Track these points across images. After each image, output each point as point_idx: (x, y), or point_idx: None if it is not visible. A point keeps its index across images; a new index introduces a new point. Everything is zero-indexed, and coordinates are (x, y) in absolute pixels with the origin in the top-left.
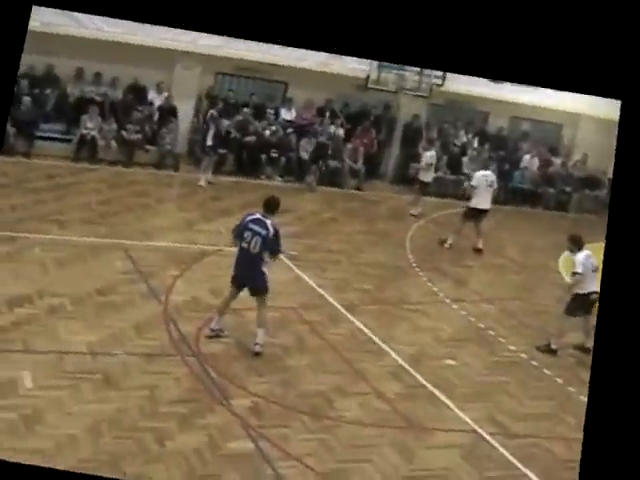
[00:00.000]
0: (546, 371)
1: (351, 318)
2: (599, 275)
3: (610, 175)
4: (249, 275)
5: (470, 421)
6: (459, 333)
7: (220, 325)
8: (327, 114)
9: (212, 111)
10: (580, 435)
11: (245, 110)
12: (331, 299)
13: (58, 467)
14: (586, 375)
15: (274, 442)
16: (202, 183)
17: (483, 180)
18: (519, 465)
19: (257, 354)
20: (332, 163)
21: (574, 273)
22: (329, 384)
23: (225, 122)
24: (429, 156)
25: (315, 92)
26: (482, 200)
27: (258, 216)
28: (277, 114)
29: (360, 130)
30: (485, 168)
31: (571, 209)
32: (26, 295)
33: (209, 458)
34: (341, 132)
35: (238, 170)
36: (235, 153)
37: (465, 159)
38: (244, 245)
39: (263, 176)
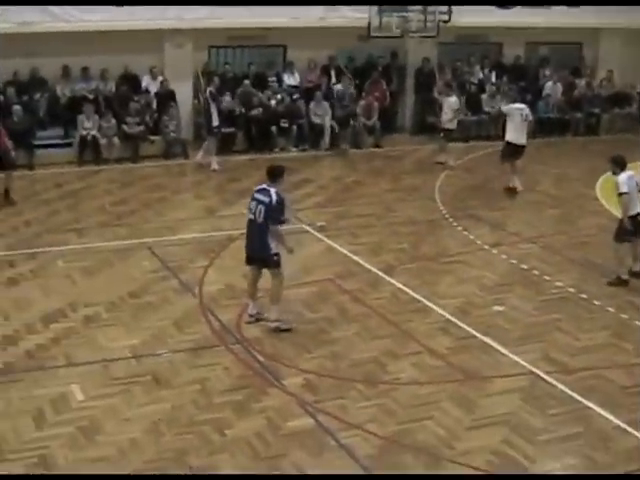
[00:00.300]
0: (596, 302)
1: (391, 280)
2: None
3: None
4: (256, 247)
5: (526, 363)
6: (503, 278)
7: (257, 309)
8: (333, 72)
9: (209, 89)
10: (638, 360)
11: (246, 82)
12: (367, 264)
13: (125, 471)
14: (637, 299)
15: (333, 414)
16: (215, 167)
17: (518, 113)
18: (581, 399)
19: (277, 330)
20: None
21: (620, 194)
22: (379, 349)
23: (226, 98)
24: (452, 102)
25: (316, 51)
26: (519, 135)
27: (264, 186)
28: (280, 81)
29: (369, 84)
30: (516, 101)
31: (602, 131)
32: (59, 309)
33: (271, 440)
34: (351, 89)
35: (250, 147)
36: (243, 129)
37: (484, 96)
38: (251, 217)
39: (276, 149)
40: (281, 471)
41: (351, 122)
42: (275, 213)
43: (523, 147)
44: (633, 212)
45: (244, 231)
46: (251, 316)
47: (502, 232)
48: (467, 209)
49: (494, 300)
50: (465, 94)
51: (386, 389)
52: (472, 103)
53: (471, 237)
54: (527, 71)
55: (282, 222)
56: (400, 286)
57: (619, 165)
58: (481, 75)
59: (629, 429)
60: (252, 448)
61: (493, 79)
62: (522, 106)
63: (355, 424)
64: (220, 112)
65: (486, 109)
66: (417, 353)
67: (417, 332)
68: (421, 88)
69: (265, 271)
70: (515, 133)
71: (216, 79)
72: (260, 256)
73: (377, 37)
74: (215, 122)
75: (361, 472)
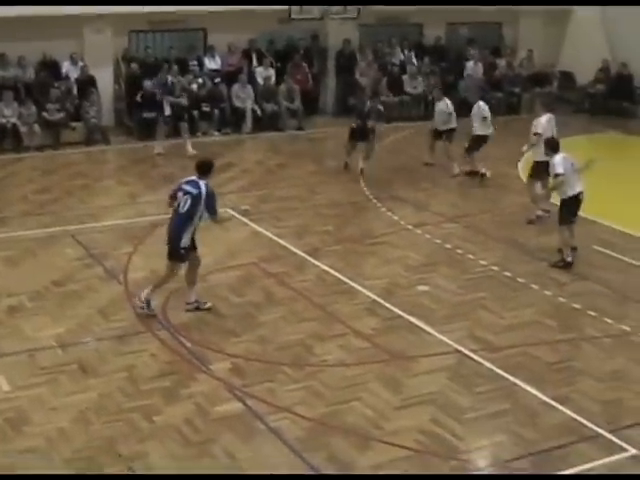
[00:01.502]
0: (520, 280)
1: (316, 263)
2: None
3: (559, 68)
4: (170, 237)
5: (452, 342)
6: (427, 258)
7: (196, 297)
8: (254, 55)
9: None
10: (563, 336)
11: (167, 67)
12: (292, 247)
13: (54, 461)
14: (561, 277)
15: (261, 398)
16: (160, 150)
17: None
18: (507, 376)
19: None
20: (268, 107)
21: (556, 175)
22: (306, 332)
23: (147, 83)
24: (442, 107)
25: (237, 34)
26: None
27: (193, 178)
28: (201, 65)
29: (291, 67)
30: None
31: (523, 110)
32: None
33: (201, 425)
34: (272, 72)
35: (172, 132)
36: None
37: (406, 77)
38: (174, 205)
39: (199, 133)
40: (211, 456)
41: (265, 107)
42: (211, 202)
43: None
44: (573, 192)
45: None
46: (188, 304)
47: (426, 212)
48: (391, 190)
49: (419, 280)
50: (387, 75)
51: (313, 371)
52: (394, 84)
53: (395, 218)
54: (448, 52)
55: (215, 214)
56: (325, 268)
57: (552, 147)
58: (402, 56)
59: (555, 404)
60: (181, 434)
61: (414, 60)
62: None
63: (284, 407)
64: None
65: (407, 90)
66: (343, 335)
67: (343, 314)
68: (342, 70)
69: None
70: (483, 126)
71: (135, 64)
72: (169, 246)
73: (298, 19)
74: (167, 112)
75: (291, 454)
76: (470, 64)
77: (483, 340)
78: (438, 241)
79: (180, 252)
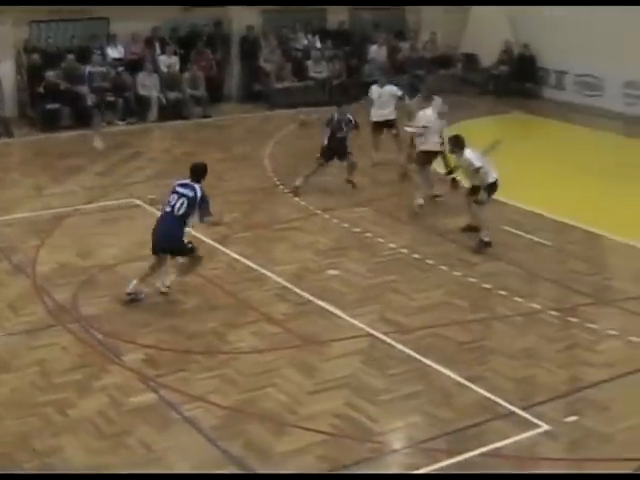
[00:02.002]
0: (429, 261)
1: (225, 250)
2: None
3: (462, 50)
4: (168, 238)
5: (363, 325)
6: (337, 242)
7: (138, 289)
8: (157, 43)
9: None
10: (474, 316)
11: (69, 56)
12: (201, 235)
13: None
14: (471, 257)
15: (175, 388)
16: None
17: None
18: (420, 357)
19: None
20: (172, 95)
21: (477, 169)
22: (217, 320)
23: (50, 73)
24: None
25: (140, 22)
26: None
27: (187, 181)
28: (104, 54)
29: (194, 54)
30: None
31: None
32: None
33: (115, 417)
34: (175, 60)
35: (76, 123)
36: (69, 105)
37: (309, 62)
38: (167, 209)
39: (104, 123)
40: (127, 448)
41: (169, 95)
42: (205, 205)
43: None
44: (491, 179)
45: (75, 208)
46: (129, 294)
47: (333, 197)
48: (297, 175)
49: (329, 264)
50: (291, 60)
51: (227, 359)
52: (298, 69)
53: (303, 203)
54: (352, 36)
55: (210, 215)
56: (235, 255)
57: (459, 145)
58: (306, 41)
59: (468, 384)
60: (96, 427)
61: (317, 45)
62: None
63: (198, 396)
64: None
65: (311, 74)
66: (255, 321)
67: (254, 300)
68: (246, 56)
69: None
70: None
71: (36, 54)
72: (172, 247)
73: (200, 6)
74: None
75: (207, 443)
76: (374, 48)
77: (394, 322)
78: (346, 225)
79: (188, 247)
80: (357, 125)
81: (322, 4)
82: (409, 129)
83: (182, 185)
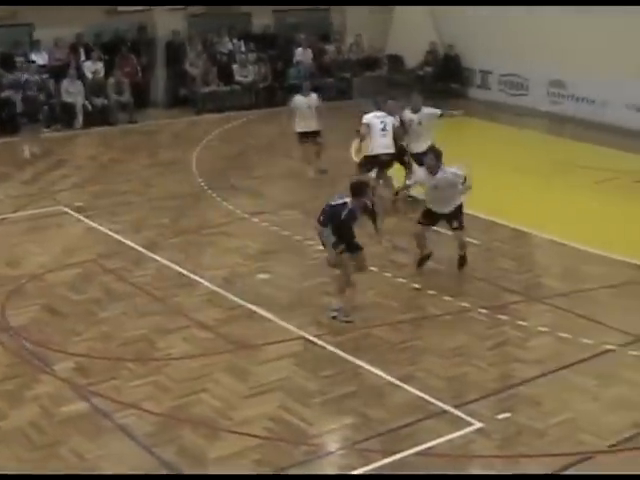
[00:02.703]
0: None
1: (154, 256)
2: None
3: (387, 52)
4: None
5: (295, 328)
6: (266, 246)
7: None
8: (81, 49)
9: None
10: (405, 316)
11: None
12: (129, 242)
13: None
14: (400, 258)
15: (107, 396)
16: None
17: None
18: (352, 358)
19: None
20: (97, 101)
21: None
22: (148, 326)
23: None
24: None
25: (63, 28)
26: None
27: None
28: (28, 61)
29: (119, 59)
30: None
31: (354, 94)
32: None
33: (47, 427)
34: (100, 66)
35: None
36: None
37: (235, 66)
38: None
39: (35, 131)
40: (59, 458)
41: (95, 101)
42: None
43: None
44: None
45: (2, 216)
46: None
47: (262, 200)
48: (225, 180)
49: (259, 268)
50: (216, 65)
51: (158, 365)
52: (223, 74)
53: (231, 207)
54: (277, 39)
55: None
56: (164, 261)
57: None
58: (231, 45)
59: (400, 384)
60: (28, 438)
61: (243, 49)
62: (380, 114)
63: (130, 403)
64: None
65: (237, 78)
66: (186, 327)
67: (184, 306)
68: (172, 61)
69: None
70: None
71: None
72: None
73: (126, 12)
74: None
75: (141, 450)
76: (299, 51)
77: (326, 324)
78: (276, 228)
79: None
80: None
81: (250, 4)
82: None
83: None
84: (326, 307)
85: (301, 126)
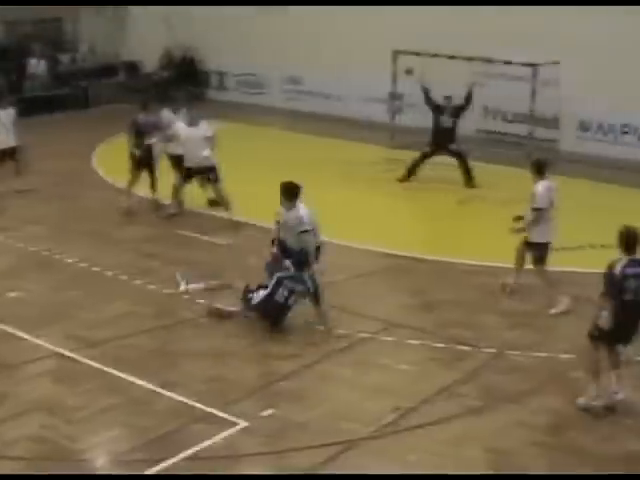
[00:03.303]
0: (109, 273)
1: None
2: None
3: (124, 58)
4: None
5: (50, 345)
6: (14, 263)
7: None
8: None
9: None
10: (160, 322)
11: None
12: None
13: None
14: (147, 264)
15: None
16: None
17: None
18: (111, 370)
19: None
20: None
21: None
22: None
23: None
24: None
25: None
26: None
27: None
28: None
29: None
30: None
31: (91, 103)
32: None
33: None
34: None
35: None
36: None
37: None
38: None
39: None
40: None
41: None
42: None
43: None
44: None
45: None
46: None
47: (5, 217)
48: None
49: (8, 286)
50: None
51: None
52: None
53: None
54: (9, 51)
55: None
56: None
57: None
58: None
59: (162, 391)
60: None
61: None
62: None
63: None
64: None
65: None
66: None
67: None
68: None
69: None
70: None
71: None
72: None
73: None
74: None
75: None
76: (33, 61)
77: (82, 338)
78: (22, 245)
79: None
80: None
81: None
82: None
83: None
84: (81, 320)
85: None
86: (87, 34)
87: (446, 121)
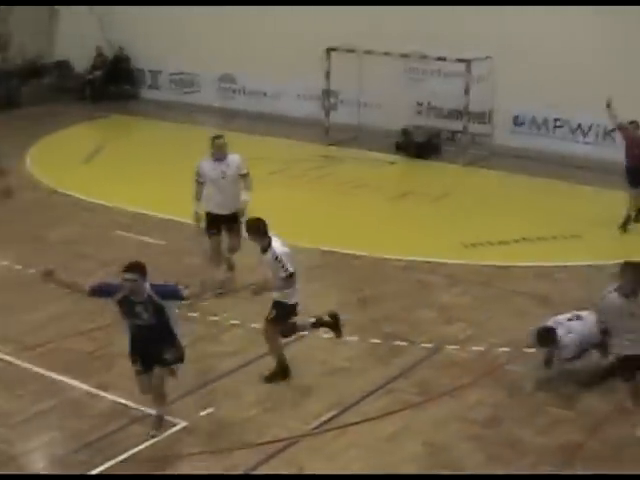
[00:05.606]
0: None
1: None
2: None
3: (55, 58)
4: None
5: None
6: None
7: None
8: None
9: None
10: (96, 324)
11: None
12: None
13: None
14: (80, 266)
15: None
16: None
17: None
18: (48, 373)
19: None
20: None
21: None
22: None
23: None
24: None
25: None
26: None
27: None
28: None
29: None
30: None
31: (24, 104)
32: None
33: None
34: None
35: None
36: None
37: None
38: None
39: None
40: None
41: None
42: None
43: None
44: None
45: None
46: None
47: None
48: None
49: None
50: None
51: None
52: None
53: None
54: None
55: None
56: None
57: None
58: None
59: (100, 393)
60: None
61: None
62: None
63: None
64: None
65: None
66: None
67: None
68: None
69: None
70: None
71: None
72: None
73: None
74: None
75: None
76: None
77: (15, 341)
78: None
79: None
80: None
81: None
82: None
83: None
84: (16, 323)
85: None
86: (17, 34)
87: None
